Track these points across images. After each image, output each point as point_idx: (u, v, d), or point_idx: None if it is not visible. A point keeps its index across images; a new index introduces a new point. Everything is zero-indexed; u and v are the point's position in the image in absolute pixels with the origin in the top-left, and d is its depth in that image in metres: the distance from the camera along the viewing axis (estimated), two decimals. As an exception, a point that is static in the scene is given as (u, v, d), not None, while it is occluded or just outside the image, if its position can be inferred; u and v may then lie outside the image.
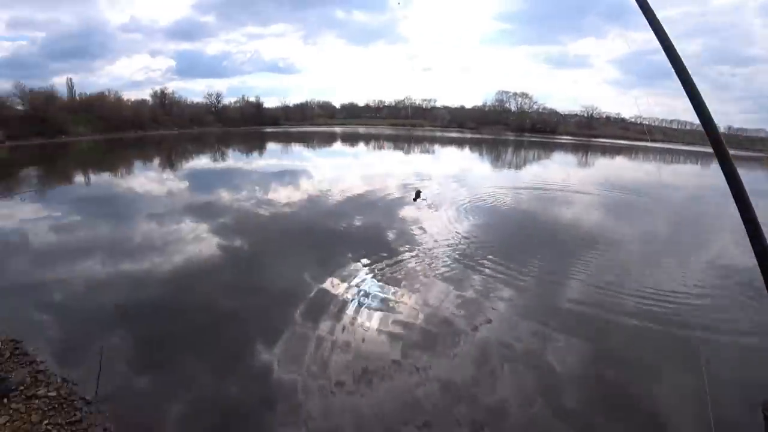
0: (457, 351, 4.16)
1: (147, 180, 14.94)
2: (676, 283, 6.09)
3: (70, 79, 47.56)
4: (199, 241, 7.50)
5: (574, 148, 43.94)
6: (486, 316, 4.84)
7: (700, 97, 1.18)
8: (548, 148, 42.63)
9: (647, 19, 1.34)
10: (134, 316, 4.72)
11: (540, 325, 4.64)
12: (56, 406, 3.07)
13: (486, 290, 5.57)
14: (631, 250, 7.90)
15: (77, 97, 45.27)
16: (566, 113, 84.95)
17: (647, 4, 1.35)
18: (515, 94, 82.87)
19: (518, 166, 24.80)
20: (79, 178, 16.18)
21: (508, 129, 74.88)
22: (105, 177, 16.49)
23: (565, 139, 63.92)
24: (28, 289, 5.39)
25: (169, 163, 21.98)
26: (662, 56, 1.27)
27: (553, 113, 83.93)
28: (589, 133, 73.77)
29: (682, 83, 1.21)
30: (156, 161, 22.46)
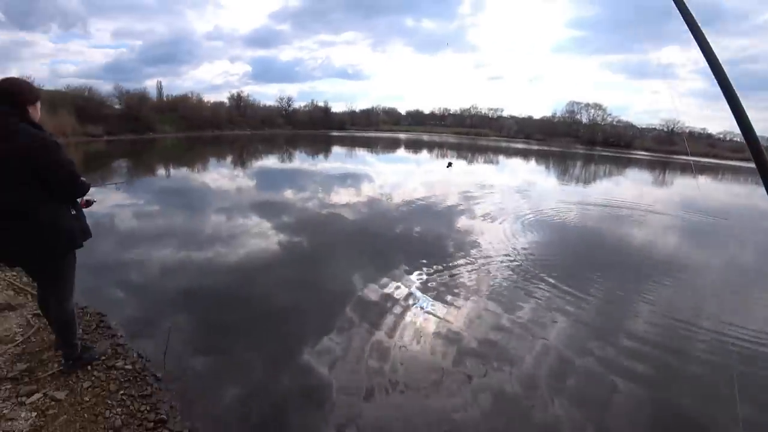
0: (505, 373, 4.02)
1: (219, 176, 15.96)
2: (762, 323, 5.51)
3: (160, 82, 52.25)
4: (262, 236, 7.88)
5: (650, 165, 41.05)
6: (539, 341, 4.63)
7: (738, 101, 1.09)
8: (621, 163, 40.20)
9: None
10: (200, 302, 5.05)
11: (595, 360, 4.33)
12: (131, 378, 3.36)
13: (541, 313, 5.34)
14: (711, 281, 7.23)
15: (164, 98, 49.36)
16: (643, 127, 79.65)
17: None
18: (587, 105, 78.96)
19: (587, 181, 23.61)
20: (161, 171, 17.60)
21: (578, 141, 71.57)
22: (183, 171, 17.81)
23: (641, 154, 59.91)
24: (112, 267, 5.96)
25: (241, 161, 23.29)
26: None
27: (629, 126, 79.09)
28: (669, 149, 68.29)
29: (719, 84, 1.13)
30: (229, 159, 23.90)
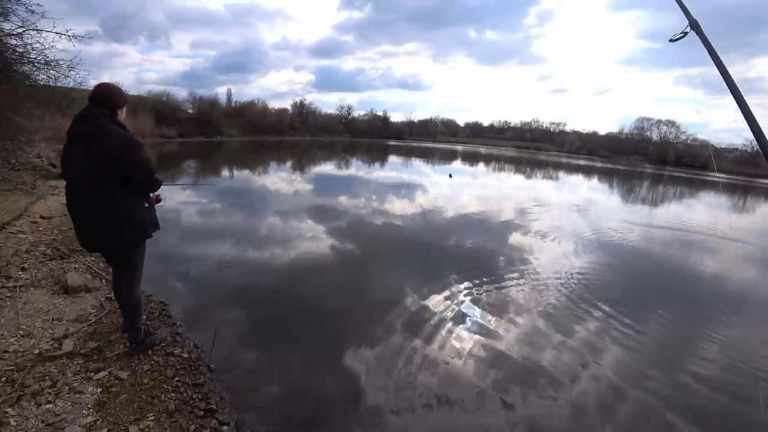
0: (547, 399, 3.84)
1: (278, 179, 16.65)
2: None
3: (230, 89, 55.77)
4: (314, 240, 8.09)
5: (729, 188, 37.83)
6: (587, 371, 4.37)
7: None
8: (694, 185, 37.32)
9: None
10: (253, 299, 5.27)
11: (645, 399, 4.01)
12: (186, 366, 3.56)
13: (593, 340, 5.04)
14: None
15: (233, 104, 52.52)
16: (723, 147, 73.61)
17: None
18: (659, 121, 74.29)
19: (654, 203, 22.14)
20: (225, 173, 18.62)
21: (647, 160, 67.41)
22: (245, 173, 18.73)
23: (719, 176, 55.25)
24: (176, 260, 6.38)
25: (299, 166, 24.13)
26: None
27: (706, 146, 73.30)
28: (752, 172, 62.65)
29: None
30: (288, 163, 24.85)
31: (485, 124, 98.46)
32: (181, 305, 4.78)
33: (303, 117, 61.08)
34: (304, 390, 3.60)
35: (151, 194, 3.30)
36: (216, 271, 6.10)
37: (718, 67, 1.22)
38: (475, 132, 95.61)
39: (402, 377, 3.90)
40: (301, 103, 63.85)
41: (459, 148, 66.24)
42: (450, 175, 23.68)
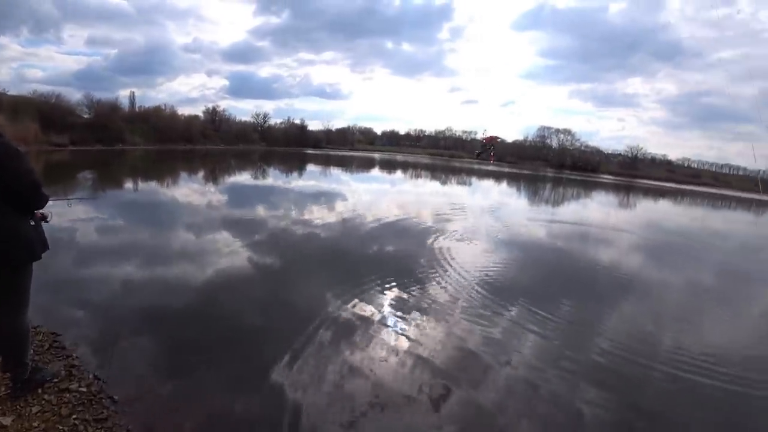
0: (479, 390, 4.05)
1: (189, 191, 15.64)
2: (718, 338, 5.75)
3: (133, 92, 51.44)
4: (231, 254, 7.71)
5: (615, 188, 42.69)
6: (511, 358, 4.69)
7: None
8: (588, 186, 41.58)
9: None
10: (164, 321, 4.88)
11: (562, 383, 4.37)
12: (85, 401, 3.19)
13: (513, 330, 5.41)
14: (673, 298, 7.53)
15: (137, 109, 48.41)
16: (609, 152, 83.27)
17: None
18: (557, 130, 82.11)
19: (556, 203, 24.31)
20: (128, 185, 17.12)
21: (548, 165, 73.97)
22: (152, 185, 17.37)
23: (607, 178, 62.27)
24: (69, 285, 5.70)
25: (213, 176, 22.93)
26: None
27: (596, 152, 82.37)
28: (633, 174, 71.70)
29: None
30: (200, 174, 23.49)
31: (402, 132, 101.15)
32: (77, 335, 4.28)
33: (216, 124, 58.13)
34: (227, 413, 3.39)
35: (36, 211, 2.93)
36: (119, 295, 5.54)
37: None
38: (392, 140, 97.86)
39: (331, 388, 3.83)
40: (214, 109, 60.76)
41: (377, 155, 67.38)
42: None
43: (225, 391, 3.67)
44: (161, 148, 40.30)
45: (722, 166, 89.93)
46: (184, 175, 22.21)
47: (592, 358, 4.87)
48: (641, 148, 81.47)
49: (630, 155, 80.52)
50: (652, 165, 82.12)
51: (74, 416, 3.00)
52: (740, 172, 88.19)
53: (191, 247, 7.94)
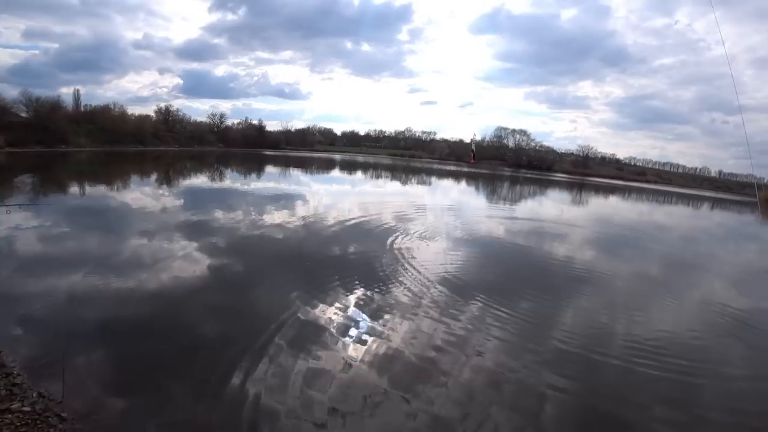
0: (446, 385, 4.12)
1: (142, 195, 14.96)
2: (666, 324, 6.12)
3: (77, 90, 47.98)
4: (189, 260, 7.45)
5: (568, 186, 44.54)
6: (475, 352, 4.82)
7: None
8: (543, 184, 43.15)
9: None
10: (116, 333, 4.65)
11: (528, 363, 4.59)
12: (30, 421, 2.99)
13: (475, 325, 5.55)
14: (623, 289, 7.95)
15: (82, 108, 45.63)
16: (563, 152, 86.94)
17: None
18: (514, 130, 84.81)
19: (513, 201, 25.05)
20: (73, 189, 16.16)
21: (505, 164, 76.18)
22: (100, 189, 16.48)
23: (560, 176, 64.83)
24: (10, 298, 5.30)
25: (166, 179, 22.06)
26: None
27: (550, 151, 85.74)
28: (584, 172, 75.14)
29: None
30: (153, 176, 22.55)
31: (362, 133, 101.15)
32: (19, 351, 4.00)
33: (169, 125, 55.90)
34: (186, 425, 3.28)
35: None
36: (68, 307, 5.22)
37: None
38: (353, 141, 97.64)
39: (298, 393, 3.78)
40: (167, 109, 58.37)
41: (337, 156, 67.05)
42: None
43: (185, 401, 3.55)
44: (110, 149, 38.33)
45: (664, 164, 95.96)
46: (135, 178, 21.22)
47: (551, 348, 5.06)
48: (592, 148, 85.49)
49: (582, 154, 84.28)
50: (602, 163, 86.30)
51: (17, 438, 2.82)
52: (680, 170, 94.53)
53: (144, 255, 7.59)
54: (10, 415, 3.01)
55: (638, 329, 5.88)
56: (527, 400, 4.02)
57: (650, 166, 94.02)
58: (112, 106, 47.79)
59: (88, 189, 16.38)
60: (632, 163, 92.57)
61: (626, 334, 5.69)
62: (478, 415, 3.72)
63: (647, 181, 77.61)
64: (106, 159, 31.87)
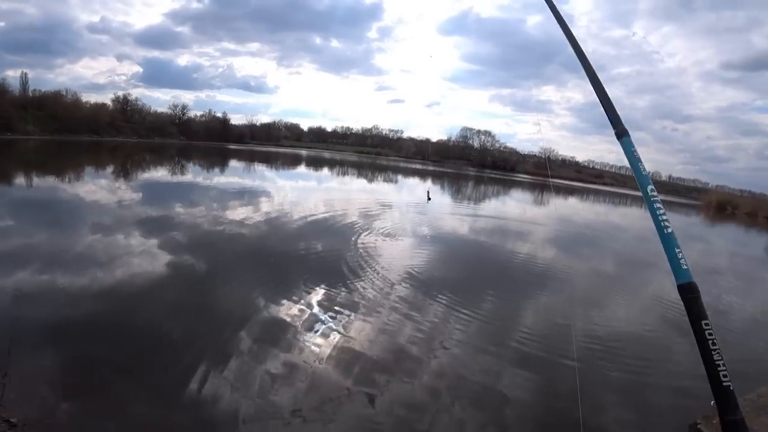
0: (411, 380, 4.18)
1: (96, 188, 14.26)
2: (621, 322, 6.44)
3: (25, 73, 45.17)
4: (147, 257, 7.17)
5: (531, 187, 45.91)
6: (439, 348, 4.90)
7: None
8: (507, 184, 44.31)
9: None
10: (69, 334, 4.42)
11: (491, 358, 4.74)
12: (-27, 429, 2.83)
13: (440, 322, 5.66)
14: (582, 286, 8.31)
15: (30, 93, 42.97)
16: (526, 153, 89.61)
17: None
18: (479, 131, 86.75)
19: (477, 200, 25.60)
20: (19, 180, 15.24)
21: (470, 164, 77.74)
22: (49, 180, 15.60)
23: (523, 177, 66.74)
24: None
25: (124, 171, 21.16)
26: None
27: (514, 153, 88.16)
28: (546, 173, 77.36)
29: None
30: (109, 168, 21.57)
31: (329, 129, 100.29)
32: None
33: (127, 115, 53.54)
34: (146, 427, 3.18)
35: None
36: (13, 306, 4.91)
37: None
38: (319, 137, 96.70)
39: (264, 392, 3.72)
40: (125, 98, 55.86)
41: (303, 152, 66.29)
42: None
43: (143, 405, 3.43)
44: (61, 139, 36.32)
45: (620, 167, 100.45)
46: (90, 170, 20.20)
47: (512, 344, 5.23)
48: (553, 150, 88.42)
49: (543, 156, 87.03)
50: (562, 166, 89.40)
51: (-41, 447, 2.65)
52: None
53: (99, 251, 7.22)
54: (-49, 423, 2.83)
55: (594, 324, 6.15)
56: (489, 396, 4.14)
57: (607, 169, 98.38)
58: (64, 93, 45.36)
59: (36, 180, 15.48)
60: (591, 166, 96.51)
61: (583, 329, 5.95)
62: (442, 411, 3.79)
63: (604, 183, 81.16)
64: (58, 149, 30.23)
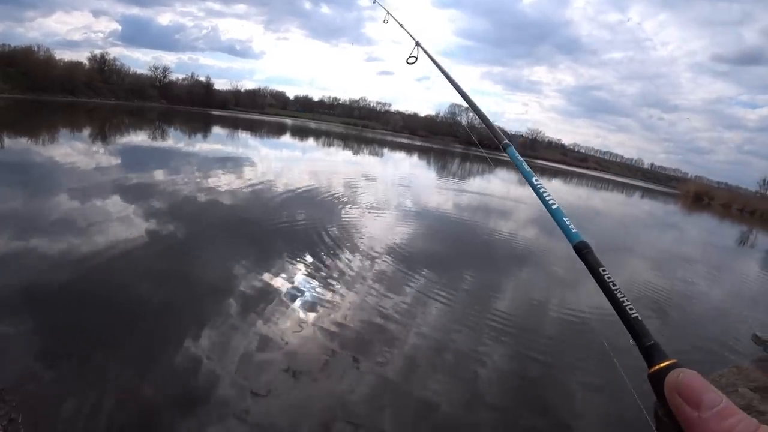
0: (390, 352, 4.27)
1: (72, 150, 13.81)
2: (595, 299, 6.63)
3: (-8, 26, 42.67)
4: (126, 224, 7.02)
5: (516, 167, 46.12)
6: (420, 321, 5.00)
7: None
8: (492, 163, 44.45)
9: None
10: (45, 301, 4.36)
11: (466, 341, 4.82)
12: (-51, 393, 2.79)
13: (421, 296, 5.74)
14: (560, 267, 8.46)
15: (-2, 48, 40.82)
16: (513, 133, 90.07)
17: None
18: (467, 108, 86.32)
19: (463, 177, 25.68)
20: (-8, 140, 14.64)
21: (457, 141, 77.54)
22: (20, 142, 15.02)
23: (508, 157, 67.05)
24: None
25: (101, 134, 20.48)
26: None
27: (501, 132, 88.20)
28: (531, 155, 78.33)
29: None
30: (86, 131, 20.84)
31: (315, 99, 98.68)
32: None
33: (105, 75, 51.44)
34: (127, 395, 3.17)
35: None
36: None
37: (445, 76, 1.73)
38: (306, 106, 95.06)
39: (241, 360, 3.76)
40: (102, 57, 53.47)
41: (289, 121, 65.17)
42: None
43: (126, 371, 3.44)
44: (34, 98, 34.84)
45: (605, 153, 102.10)
46: (65, 132, 19.50)
47: (492, 317, 5.35)
48: (540, 132, 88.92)
49: (530, 137, 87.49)
50: (548, 147, 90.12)
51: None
52: (618, 159, 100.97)
53: (76, 216, 7.05)
54: (-76, 387, 2.78)
55: (569, 301, 6.34)
56: (466, 367, 4.25)
57: (592, 153, 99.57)
58: (35, 48, 43.12)
59: (7, 142, 14.88)
60: (576, 150, 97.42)
61: (558, 305, 6.13)
62: (421, 378, 3.89)
63: (588, 168, 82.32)
64: (31, 108, 29.01)
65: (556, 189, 30.48)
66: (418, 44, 2.25)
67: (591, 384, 4.34)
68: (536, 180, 1.08)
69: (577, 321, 5.81)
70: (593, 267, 0.89)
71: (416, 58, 2.41)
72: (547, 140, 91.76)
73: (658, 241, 15.22)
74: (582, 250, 0.96)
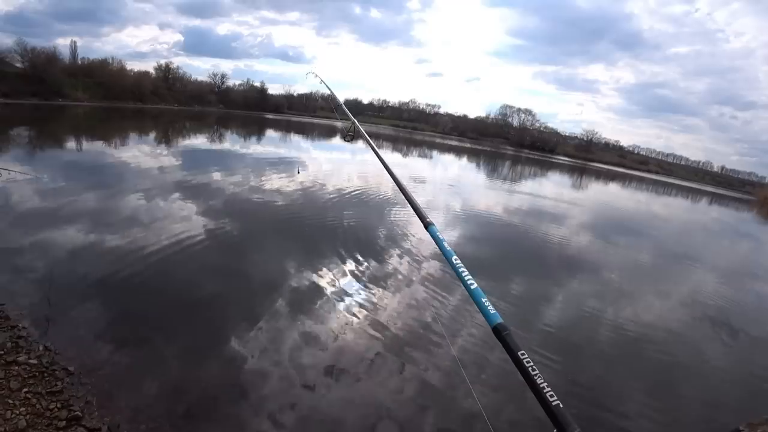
0: (435, 358, 4.24)
1: (140, 153, 14.81)
2: (653, 317, 6.27)
3: (74, 42, 46.98)
4: (186, 221, 7.44)
5: (570, 170, 44.45)
6: (466, 330, 4.91)
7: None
8: (545, 166, 43.04)
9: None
10: (117, 290, 4.72)
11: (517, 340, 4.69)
12: (37, 374, 3.07)
13: (467, 303, 5.64)
14: (615, 277, 8.08)
15: (79, 61, 44.56)
16: (567, 134, 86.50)
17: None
18: (519, 109, 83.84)
19: (514, 180, 25.03)
20: (70, 144, 15.99)
21: (508, 143, 75.76)
22: (97, 145, 16.29)
23: (562, 159, 64.61)
24: (8, 253, 5.32)
25: (165, 138, 21.83)
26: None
27: (554, 133, 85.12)
28: (587, 157, 74.95)
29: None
30: (152, 135, 22.29)
31: (365, 101, 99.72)
32: (22, 304, 4.06)
33: (169, 83, 54.81)
34: (186, 381, 3.38)
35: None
36: (68, 262, 5.27)
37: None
38: (355, 109, 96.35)
39: (293, 355, 3.89)
40: (167, 66, 57.09)
41: (339, 124, 66.20)
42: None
43: (183, 359, 3.66)
44: (108, 105, 37.70)
45: (668, 155, 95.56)
46: (134, 136, 20.97)
47: (538, 327, 5.20)
48: (596, 133, 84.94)
49: (585, 139, 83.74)
50: (605, 149, 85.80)
51: (26, 389, 2.90)
52: (683, 162, 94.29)
53: (142, 213, 7.58)
54: (17, 367, 3.09)
55: (624, 312, 6.04)
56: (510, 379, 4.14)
57: (653, 155, 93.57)
58: (110, 61, 46.74)
59: (86, 145, 16.18)
60: (635, 152, 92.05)
61: (613, 320, 5.84)
62: (463, 389, 3.84)
63: (649, 171, 77.46)
64: (106, 115, 31.41)
65: (611, 193, 29.03)
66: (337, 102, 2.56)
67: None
68: (456, 260, 1.08)
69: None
70: (513, 350, 0.87)
71: (352, 136, 2.63)
72: (603, 141, 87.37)
73: (731, 253, 14.10)
74: (501, 333, 0.94)
